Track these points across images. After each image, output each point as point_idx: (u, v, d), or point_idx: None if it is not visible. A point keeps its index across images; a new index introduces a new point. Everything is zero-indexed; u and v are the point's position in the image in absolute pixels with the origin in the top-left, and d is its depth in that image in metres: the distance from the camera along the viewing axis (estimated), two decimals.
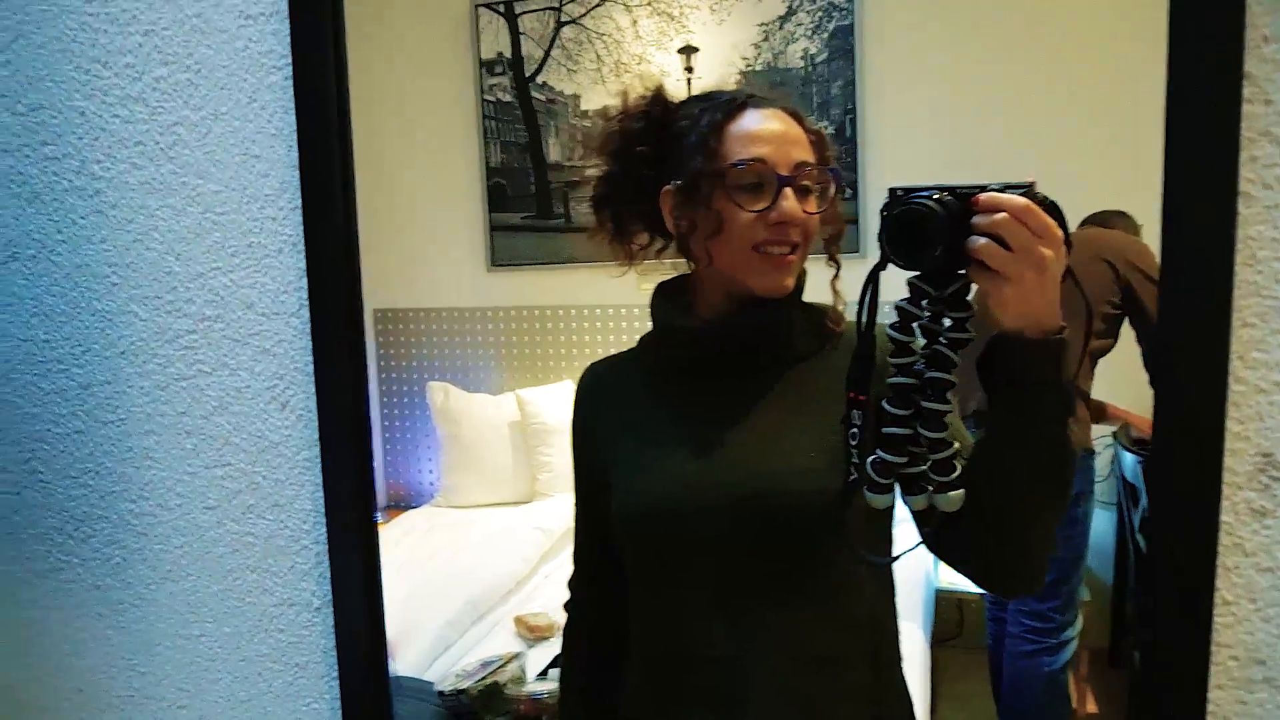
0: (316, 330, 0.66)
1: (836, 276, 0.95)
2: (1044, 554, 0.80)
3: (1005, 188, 0.66)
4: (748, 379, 0.94)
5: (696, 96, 0.94)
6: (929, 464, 0.73)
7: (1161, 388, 0.61)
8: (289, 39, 0.67)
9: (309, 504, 0.71)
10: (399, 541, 2.81)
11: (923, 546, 0.84)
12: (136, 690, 0.79)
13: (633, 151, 0.95)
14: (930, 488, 0.74)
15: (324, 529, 0.70)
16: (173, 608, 0.77)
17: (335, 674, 0.71)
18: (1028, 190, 0.66)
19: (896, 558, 0.88)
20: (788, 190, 0.87)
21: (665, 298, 0.98)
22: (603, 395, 1.02)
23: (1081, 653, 2.01)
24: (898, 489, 0.76)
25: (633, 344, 1.09)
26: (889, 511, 0.79)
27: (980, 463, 0.75)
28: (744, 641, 0.88)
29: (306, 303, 0.68)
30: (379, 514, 3.20)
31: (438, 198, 3.38)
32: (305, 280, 0.68)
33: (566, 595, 1.11)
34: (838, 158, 0.99)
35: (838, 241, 0.97)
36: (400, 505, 3.41)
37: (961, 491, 0.73)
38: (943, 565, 2.26)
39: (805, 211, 0.88)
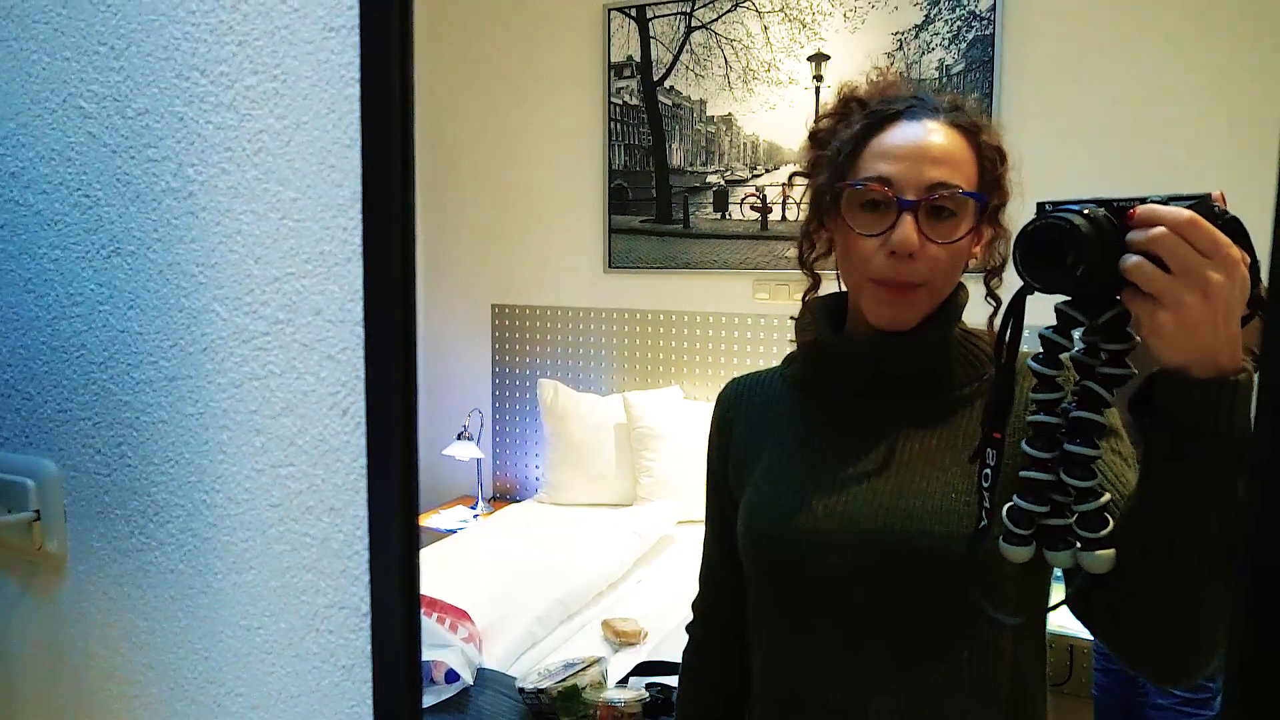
0: (370, 342, 0.66)
1: (995, 314, 0.87)
2: (1207, 639, 0.66)
3: (1170, 199, 0.57)
4: (896, 407, 0.87)
5: (870, 101, 0.88)
6: (1075, 516, 0.64)
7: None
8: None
9: (362, 511, 0.72)
10: (499, 534, 2.87)
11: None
12: (200, 673, 0.82)
13: (814, 155, 0.92)
14: (1077, 544, 0.65)
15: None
16: (236, 598, 0.79)
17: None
18: (1199, 203, 0.57)
19: (1016, 621, 0.80)
20: (907, 216, 0.80)
21: (815, 314, 0.94)
22: (742, 410, 0.98)
23: None
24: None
25: (743, 353, 1.05)
26: (1045, 566, 0.70)
27: (1134, 520, 0.65)
28: (863, 693, 0.82)
29: None
30: (484, 504, 3.28)
31: (560, 197, 3.43)
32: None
33: (689, 616, 1.09)
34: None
35: (997, 275, 0.89)
36: (504, 498, 3.49)
37: (1111, 552, 0.63)
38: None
39: (931, 240, 0.81)
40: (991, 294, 0.90)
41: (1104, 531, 0.64)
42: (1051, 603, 0.86)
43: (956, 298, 0.88)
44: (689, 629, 1.06)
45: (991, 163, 0.85)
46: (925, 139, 0.82)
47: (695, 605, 1.06)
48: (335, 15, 0.69)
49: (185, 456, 0.80)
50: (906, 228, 0.80)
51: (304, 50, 0.71)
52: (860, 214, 0.84)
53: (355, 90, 0.69)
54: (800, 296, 0.97)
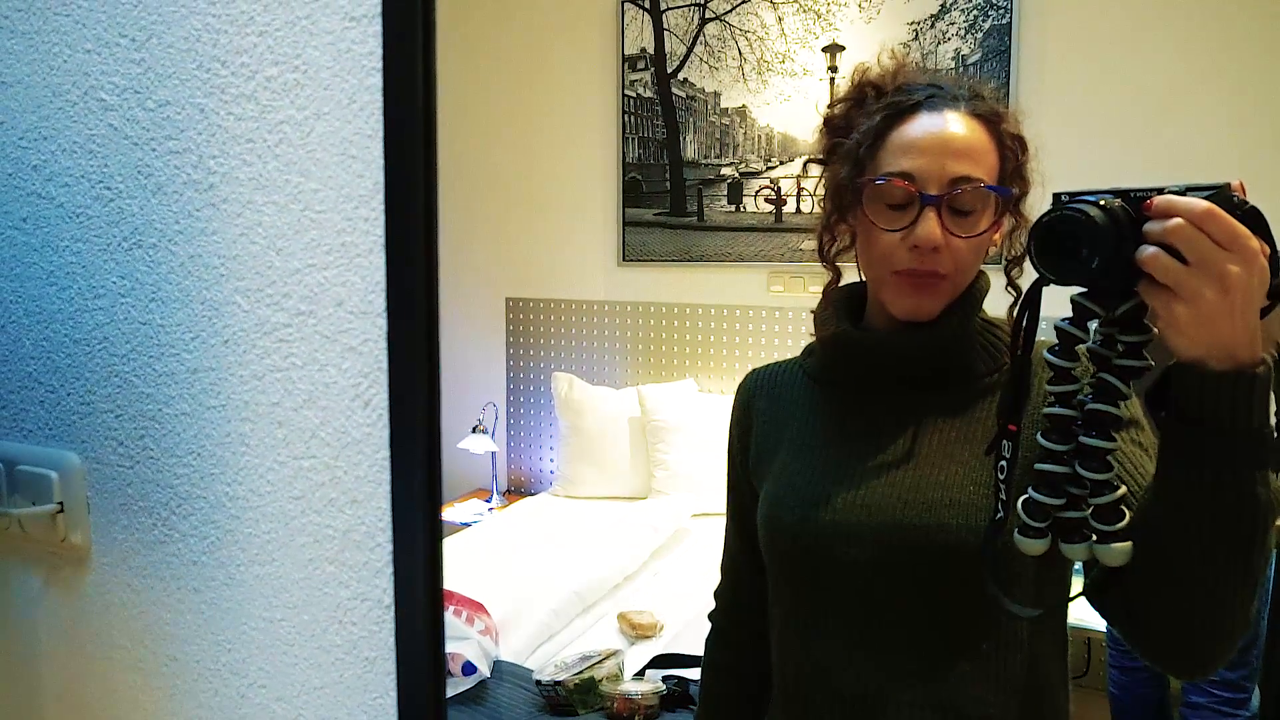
0: (393, 334, 0.66)
1: (1015, 304, 0.88)
2: (1225, 632, 0.65)
3: (1187, 190, 0.56)
4: (916, 398, 0.87)
5: (885, 87, 0.86)
6: (1090, 509, 0.64)
7: None
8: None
9: (384, 503, 0.71)
10: (514, 527, 2.87)
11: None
12: (223, 665, 0.82)
13: (830, 142, 0.91)
14: (1093, 536, 0.64)
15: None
16: (259, 590, 0.79)
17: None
18: (1217, 193, 0.55)
19: (1034, 613, 0.79)
20: (930, 212, 0.80)
21: (833, 305, 0.93)
22: (763, 401, 0.98)
23: None
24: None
25: (757, 346, 1.04)
26: (1064, 559, 0.68)
27: (1150, 514, 0.64)
28: (883, 684, 0.82)
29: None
30: (498, 497, 3.28)
31: (574, 191, 3.43)
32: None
33: (705, 609, 1.09)
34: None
35: (1018, 264, 0.88)
36: (519, 491, 3.49)
37: (1128, 545, 0.63)
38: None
39: (955, 235, 0.80)
40: (1012, 284, 0.89)
41: (1119, 524, 0.63)
42: (1064, 599, 0.86)
43: (976, 286, 0.87)
44: (711, 617, 1.06)
45: (1013, 153, 0.85)
46: (947, 131, 0.81)
47: (717, 594, 1.06)
48: (356, 5, 0.69)
49: (207, 449, 0.80)
50: (930, 223, 0.79)
51: (325, 40, 0.70)
52: (882, 208, 0.83)
53: (377, 80, 0.68)
54: (814, 288, 0.96)
